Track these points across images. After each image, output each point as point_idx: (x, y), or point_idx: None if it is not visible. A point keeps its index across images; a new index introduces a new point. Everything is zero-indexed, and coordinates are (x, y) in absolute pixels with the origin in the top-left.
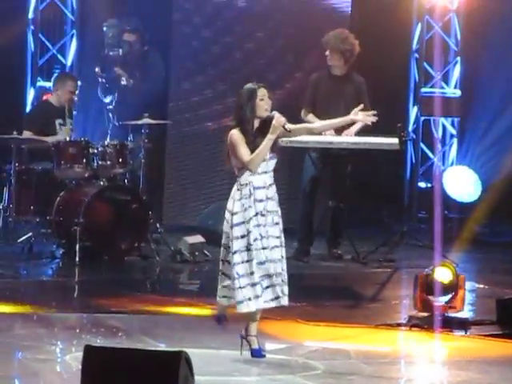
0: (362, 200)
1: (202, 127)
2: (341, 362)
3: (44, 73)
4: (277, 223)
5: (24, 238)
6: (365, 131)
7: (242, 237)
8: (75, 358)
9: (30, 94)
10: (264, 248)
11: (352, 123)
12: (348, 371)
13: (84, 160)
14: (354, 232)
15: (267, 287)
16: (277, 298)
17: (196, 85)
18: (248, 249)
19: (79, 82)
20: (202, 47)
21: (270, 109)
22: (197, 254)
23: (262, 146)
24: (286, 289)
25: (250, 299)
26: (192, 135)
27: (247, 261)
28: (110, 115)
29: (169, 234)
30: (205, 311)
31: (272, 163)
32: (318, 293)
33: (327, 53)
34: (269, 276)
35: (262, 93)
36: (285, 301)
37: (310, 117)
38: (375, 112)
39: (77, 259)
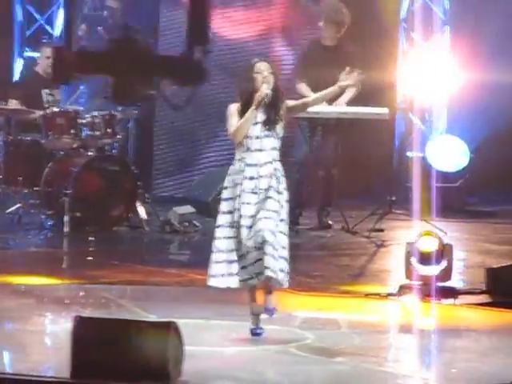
0: (351, 170)
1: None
2: (331, 331)
3: (32, 43)
4: (270, 197)
5: (13, 208)
6: (355, 101)
7: (229, 212)
8: (65, 329)
9: (18, 65)
10: (250, 226)
11: (343, 92)
12: (338, 341)
13: (72, 130)
14: (344, 202)
15: (244, 267)
16: (259, 273)
17: None
18: (232, 226)
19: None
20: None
21: (273, 85)
22: (186, 224)
23: (243, 119)
24: (277, 264)
25: (223, 275)
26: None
27: (229, 237)
28: (82, 87)
29: (158, 205)
30: (195, 281)
31: (269, 142)
32: (307, 263)
33: (321, 23)
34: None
35: (259, 67)
36: (270, 273)
37: (302, 86)
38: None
39: (66, 230)
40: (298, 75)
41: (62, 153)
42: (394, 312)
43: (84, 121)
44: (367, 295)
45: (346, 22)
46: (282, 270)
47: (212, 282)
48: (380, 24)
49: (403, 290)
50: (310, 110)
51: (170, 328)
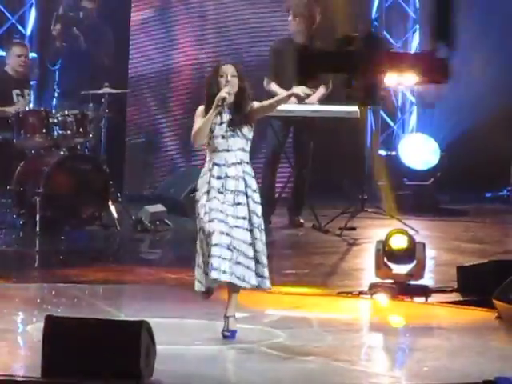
0: (323, 168)
1: (162, 96)
2: (303, 330)
3: (4, 43)
4: (239, 203)
5: None
6: (327, 99)
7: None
8: (36, 329)
9: None
10: (224, 221)
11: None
12: (310, 339)
13: (44, 130)
14: (315, 200)
15: (224, 258)
16: (241, 279)
17: (155, 58)
18: (206, 220)
19: (30, 51)
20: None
21: (238, 87)
22: (158, 223)
23: (200, 122)
24: (266, 272)
25: (199, 281)
26: (152, 104)
27: (208, 231)
28: (55, 85)
29: (129, 204)
30: (166, 280)
31: (235, 142)
32: (279, 261)
33: (289, 18)
34: (228, 248)
35: (224, 70)
36: (247, 285)
37: (273, 86)
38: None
39: (37, 229)
40: (269, 74)
41: (33, 152)
42: (365, 310)
43: (56, 120)
44: (339, 293)
45: (315, 17)
46: (257, 274)
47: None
48: (351, 23)
49: (375, 288)
50: (282, 108)
51: (141, 327)
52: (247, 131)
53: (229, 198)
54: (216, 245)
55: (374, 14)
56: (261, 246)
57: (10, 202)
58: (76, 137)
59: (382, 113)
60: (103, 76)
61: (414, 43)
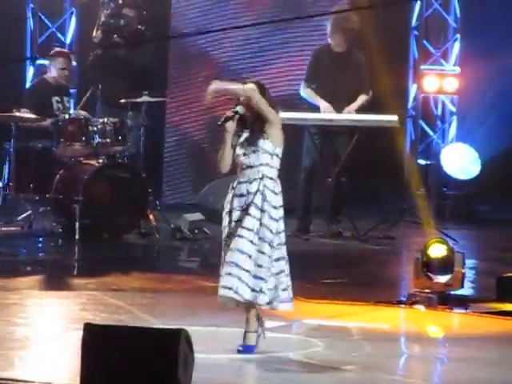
0: (361, 177)
1: (201, 105)
2: (341, 339)
3: (43, 51)
4: (249, 214)
5: (23, 215)
6: (365, 108)
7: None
8: (75, 336)
9: (30, 72)
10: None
11: (354, 100)
12: (348, 349)
13: (83, 138)
14: (354, 209)
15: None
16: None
17: (195, 66)
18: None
19: (73, 61)
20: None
21: (251, 108)
22: (196, 231)
23: (221, 150)
24: (238, 283)
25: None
26: (191, 112)
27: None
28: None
29: (168, 212)
30: (204, 289)
31: (257, 157)
32: (317, 270)
33: (328, 31)
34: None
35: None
36: (223, 291)
37: (309, 91)
38: None
39: (76, 237)
40: (306, 80)
41: (72, 160)
42: (403, 320)
43: (95, 128)
44: (377, 303)
45: (355, 29)
46: (253, 290)
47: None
48: (391, 32)
49: (413, 297)
50: (321, 117)
51: (180, 335)
52: (270, 146)
53: (244, 211)
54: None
55: (414, 22)
56: (266, 261)
57: (49, 209)
58: (115, 145)
59: (421, 122)
60: (143, 84)
61: (455, 52)
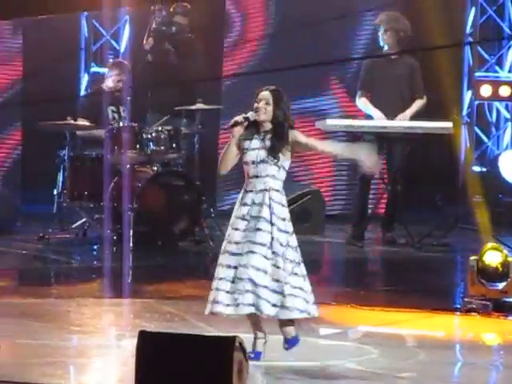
0: (416, 184)
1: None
2: (395, 346)
3: (97, 59)
4: (259, 229)
5: (78, 223)
6: (419, 115)
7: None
8: (129, 344)
9: (84, 80)
10: (235, 254)
11: (408, 106)
12: (402, 356)
13: (137, 145)
14: (408, 216)
15: (228, 292)
16: (237, 305)
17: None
18: (222, 251)
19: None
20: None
21: (273, 115)
22: None
23: (223, 151)
24: (287, 301)
25: (210, 302)
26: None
27: (218, 264)
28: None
29: (222, 219)
30: None
31: (265, 168)
32: (372, 277)
33: (380, 33)
34: (232, 281)
35: (260, 96)
36: (250, 310)
37: (363, 101)
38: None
39: (130, 244)
40: (361, 89)
41: (127, 167)
42: (458, 327)
43: (149, 136)
44: (432, 310)
45: (407, 31)
46: (274, 305)
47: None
48: (444, 38)
49: (468, 305)
50: (374, 124)
51: (234, 343)
52: (281, 159)
53: (251, 224)
54: (221, 279)
55: (468, 29)
56: (283, 276)
57: (103, 217)
58: (169, 152)
59: (476, 129)
60: (195, 91)
61: (509, 59)
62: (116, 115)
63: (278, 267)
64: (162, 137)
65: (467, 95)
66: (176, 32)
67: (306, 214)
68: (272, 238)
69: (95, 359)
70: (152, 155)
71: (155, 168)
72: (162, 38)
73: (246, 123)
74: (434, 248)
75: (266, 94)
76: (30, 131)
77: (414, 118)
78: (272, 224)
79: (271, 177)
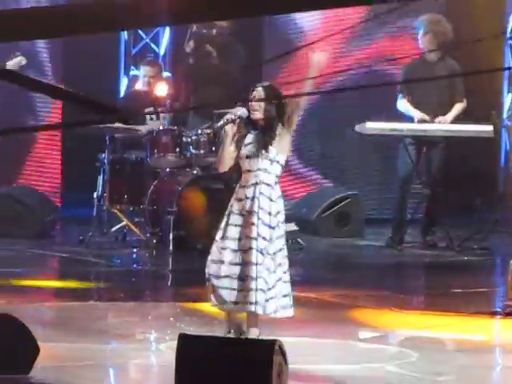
0: (456, 187)
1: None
2: (435, 350)
3: (137, 61)
4: (253, 224)
5: (118, 226)
6: (459, 118)
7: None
8: (169, 347)
9: (124, 83)
10: (236, 250)
11: (448, 109)
12: (442, 359)
13: (177, 149)
14: (448, 219)
15: (227, 288)
16: (236, 303)
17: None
18: (221, 247)
19: (163, 70)
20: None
21: (265, 111)
22: (290, 242)
23: (220, 149)
24: (258, 296)
25: (213, 296)
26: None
27: (218, 261)
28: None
29: None
30: (298, 300)
31: (256, 162)
32: (411, 281)
33: (420, 36)
34: (231, 278)
35: (254, 93)
36: (248, 308)
37: (404, 103)
38: None
39: (170, 248)
40: (401, 91)
41: (166, 171)
42: (498, 331)
43: (189, 139)
44: (472, 313)
45: (448, 34)
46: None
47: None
48: (485, 41)
49: (508, 308)
50: (415, 127)
51: (273, 346)
52: (274, 153)
53: (247, 219)
54: (226, 276)
55: (509, 32)
56: (262, 272)
57: (143, 220)
58: (209, 156)
59: None
60: (236, 93)
61: None
62: (154, 116)
63: (255, 262)
64: (202, 140)
65: (507, 98)
66: (216, 34)
67: (345, 217)
68: (258, 233)
69: (134, 362)
70: (192, 159)
71: (195, 171)
72: (203, 40)
73: (238, 121)
74: (474, 251)
75: (259, 91)
76: (69, 134)
77: (453, 121)
78: (259, 218)
79: (263, 170)
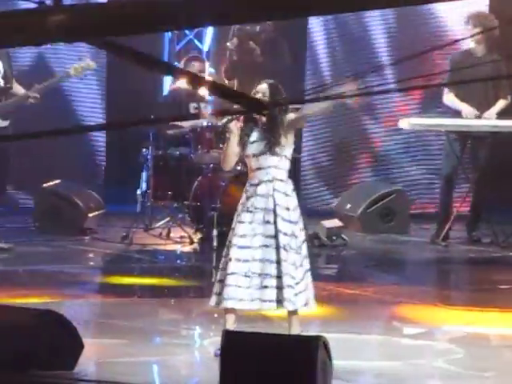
0: (501, 182)
1: (338, 111)
2: (481, 346)
3: (181, 58)
4: (268, 222)
5: (162, 222)
6: (505, 112)
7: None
8: (213, 343)
9: (168, 80)
10: (244, 247)
11: (492, 105)
12: (489, 355)
13: (221, 145)
14: (494, 215)
15: (240, 287)
16: (261, 300)
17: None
18: (228, 245)
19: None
20: (339, 42)
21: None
22: (334, 238)
23: (224, 148)
24: (286, 293)
25: (215, 293)
26: (330, 117)
27: (225, 256)
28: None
29: (306, 218)
30: (342, 296)
31: (266, 159)
32: (456, 276)
33: (469, 29)
34: (246, 276)
35: (258, 89)
36: (270, 305)
37: (451, 97)
38: None
39: (214, 244)
40: (447, 85)
41: (210, 167)
42: None
43: (228, 127)
44: None
45: (493, 31)
46: (295, 294)
47: (210, 301)
48: None
49: None
50: (460, 123)
51: (318, 342)
52: (281, 148)
53: (259, 216)
54: (232, 273)
55: None
56: (287, 268)
57: (187, 217)
58: None
59: None
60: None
61: None
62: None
63: (281, 259)
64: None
65: None
66: (260, 31)
67: (390, 213)
68: (276, 230)
69: (178, 358)
70: None
71: (238, 167)
72: (246, 37)
73: (241, 117)
74: None
75: (263, 87)
76: (113, 130)
77: (499, 116)
78: (276, 215)
79: (274, 167)
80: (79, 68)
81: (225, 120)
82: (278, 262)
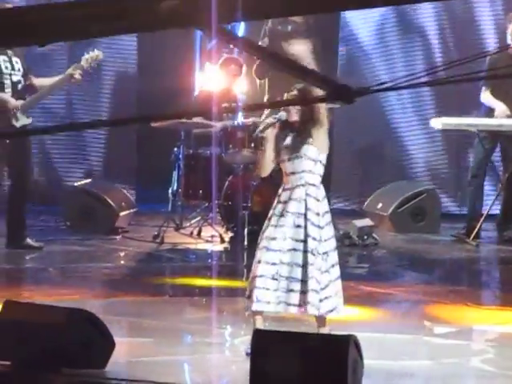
0: None
1: (368, 111)
2: (511, 346)
3: (212, 57)
4: (299, 226)
5: (193, 222)
6: None
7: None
8: (244, 342)
9: (199, 79)
10: (274, 250)
11: None
12: None
13: (252, 144)
14: None
15: (268, 289)
16: (287, 303)
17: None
18: (259, 247)
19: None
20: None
21: (301, 111)
22: (365, 237)
23: (260, 155)
24: (310, 297)
25: (246, 297)
26: (359, 118)
27: (257, 261)
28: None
29: (337, 218)
30: (373, 296)
31: (300, 163)
32: (487, 276)
33: (508, 31)
34: (274, 278)
35: (288, 95)
36: (295, 309)
37: (487, 95)
38: None
39: (245, 243)
40: (485, 83)
41: (241, 166)
42: None
43: (264, 134)
44: None
45: None
46: (325, 298)
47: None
48: None
49: None
50: (490, 122)
51: (349, 341)
52: (314, 152)
53: (289, 220)
54: (261, 276)
55: None
56: (312, 272)
57: (218, 216)
58: None
59: None
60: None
61: None
62: (229, 114)
63: (308, 263)
64: None
65: None
66: (292, 31)
67: (421, 212)
68: (306, 234)
69: (209, 357)
70: None
71: None
72: (278, 37)
73: (277, 123)
74: None
75: (294, 92)
76: (144, 129)
77: None
78: (307, 219)
79: (308, 172)
80: (89, 59)
81: (261, 127)
82: (305, 266)
